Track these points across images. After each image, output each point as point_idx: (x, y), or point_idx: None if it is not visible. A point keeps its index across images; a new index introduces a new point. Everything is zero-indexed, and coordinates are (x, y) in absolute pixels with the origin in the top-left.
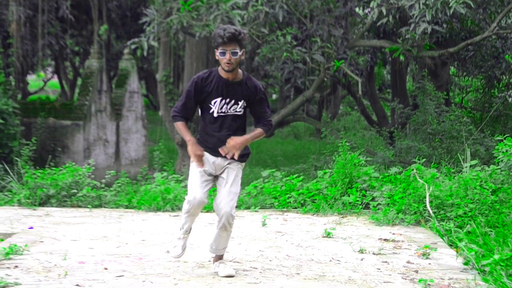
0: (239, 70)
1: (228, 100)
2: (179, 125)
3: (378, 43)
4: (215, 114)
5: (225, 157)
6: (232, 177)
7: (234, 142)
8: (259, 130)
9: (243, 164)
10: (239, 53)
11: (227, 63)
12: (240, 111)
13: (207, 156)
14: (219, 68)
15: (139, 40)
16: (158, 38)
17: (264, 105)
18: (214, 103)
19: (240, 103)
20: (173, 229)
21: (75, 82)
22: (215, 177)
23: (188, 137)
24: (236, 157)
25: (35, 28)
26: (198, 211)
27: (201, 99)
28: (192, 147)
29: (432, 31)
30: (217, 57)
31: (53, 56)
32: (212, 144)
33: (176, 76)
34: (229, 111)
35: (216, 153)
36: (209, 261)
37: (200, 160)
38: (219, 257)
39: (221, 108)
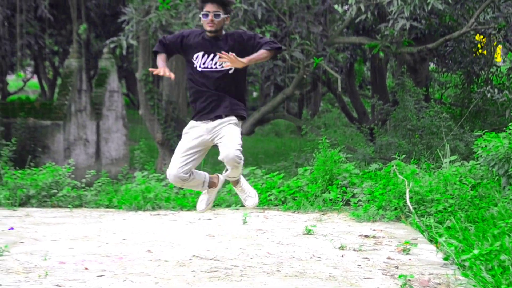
0: (222, 32)
1: (212, 55)
2: (159, 57)
3: (357, 40)
4: (199, 69)
5: (216, 118)
6: (229, 130)
7: (235, 57)
8: (262, 51)
9: (239, 122)
10: (222, 16)
11: (209, 24)
12: (230, 68)
13: (198, 124)
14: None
15: (118, 39)
16: (137, 37)
17: (257, 37)
18: (196, 57)
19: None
20: (153, 228)
21: (54, 82)
22: (206, 148)
23: (161, 62)
24: (227, 64)
25: (13, 28)
26: (183, 182)
27: (183, 49)
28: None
29: (411, 27)
30: (201, 22)
31: (32, 56)
32: (200, 105)
33: (155, 75)
34: (213, 66)
35: (206, 116)
36: (190, 259)
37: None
38: (236, 181)
39: (204, 63)
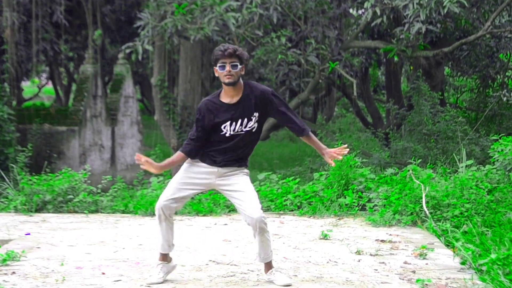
0: (241, 81)
1: (239, 121)
2: (177, 155)
3: (373, 44)
4: (228, 135)
5: (230, 166)
6: (244, 184)
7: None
8: (312, 136)
9: (246, 170)
10: (240, 66)
11: (227, 75)
12: (254, 126)
13: (203, 166)
14: (221, 92)
15: (134, 44)
16: (153, 42)
17: (283, 106)
18: (224, 127)
19: (254, 118)
20: None
21: (69, 87)
22: (200, 190)
23: (164, 164)
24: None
25: (29, 34)
26: (166, 216)
27: (210, 124)
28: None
29: (426, 31)
30: (216, 74)
31: (48, 62)
32: (219, 158)
33: (171, 80)
34: (244, 129)
35: (219, 164)
36: (207, 264)
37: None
38: (269, 266)
39: (233, 130)
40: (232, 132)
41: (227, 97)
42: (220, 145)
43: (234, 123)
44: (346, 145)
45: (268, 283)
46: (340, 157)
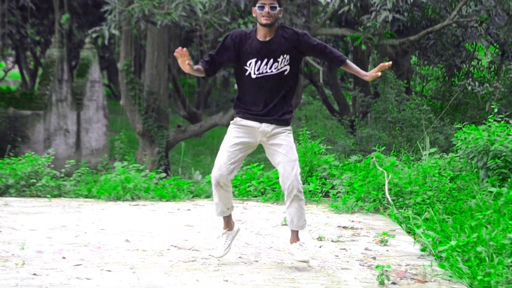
0: (275, 25)
1: (266, 60)
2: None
3: (340, 32)
4: (253, 76)
5: (269, 122)
6: (285, 144)
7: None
8: (350, 64)
9: (290, 127)
10: (278, 9)
11: (266, 17)
12: (282, 68)
13: (247, 123)
14: (255, 29)
15: (100, 29)
16: (120, 27)
17: (316, 45)
18: (249, 64)
19: (281, 59)
20: (132, 218)
21: (36, 72)
22: (251, 147)
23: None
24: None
25: None
26: (222, 185)
27: (233, 57)
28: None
29: (393, 19)
30: (254, 14)
31: (14, 46)
32: (254, 110)
33: (137, 65)
34: (269, 70)
35: (259, 119)
36: (168, 249)
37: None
38: (296, 237)
39: (258, 69)
40: (256, 73)
41: (260, 36)
42: (250, 92)
43: (259, 62)
44: (385, 63)
45: (228, 267)
46: (379, 74)
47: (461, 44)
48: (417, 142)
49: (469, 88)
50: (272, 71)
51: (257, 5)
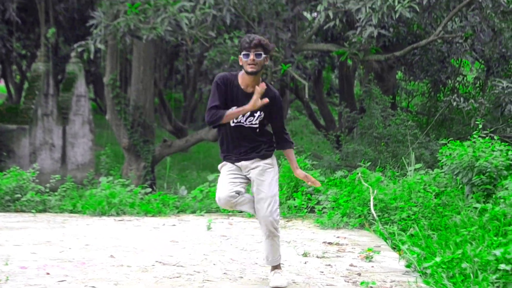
0: (260, 77)
1: (248, 114)
2: (227, 114)
3: (325, 47)
4: (232, 124)
5: (249, 159)
6: (262, 180)
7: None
8: (291, 152)
9: (273, 161)
10: (264, 56)
11: (251, 64)
12: (255, 124)
13: (230, 164)
14: (239, 75)
15: (86, 43)
16: (105, 41)
17: (282, 118)
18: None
19: (256, 115)
20: (117, 234)
21: (22, 85)
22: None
23: (241, 109)
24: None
25: None
26: (232, 207)
27: (225, 98)
28: (251, 103)
29: (379, 35)
30: (240, 62)
31: (0, 60)
32: (235, 153)
33: (123, 79)
34: (244, 122)
35: (238, 159)
36: (153, 265)
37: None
38: (276, 266)
39: (237, 118)
40: (235, 121)
41: (244, 84)
42: (228, 138)
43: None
44: (319, 183)
45: (213, 284)
46: (309, 183)
47: (447, 59)
48: (403, 157)
49: (455, 103)
50: (246, 124)
51: (243, 53)
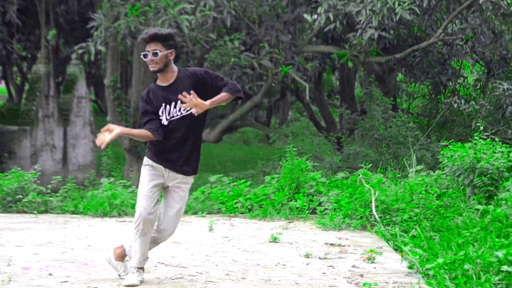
0: (174, 68)
1: (173, 103)
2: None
3: (326, 49)
4: (165, 122)
5: (176, 171)
6: (181, 198)
7: (196, 99)
8: (224, 94)
9: (192, 179)
10: (162, 53)
11: (151, 64)
12: (190, 110)
13: (159, 167)
14: (157, 78)
15: (87, 45)
16: (106, 43)
17: (215, 78)
18: (162, 112)
19: (178, 104)
20: (119, 235)
21: (22, 87)
22: (164, 187)
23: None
24: (194, 111)
25: None
26: (151, 228)
27: (154, 109)
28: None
29: (379, 37)
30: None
31: (0, 61)
32: (167, 155)
33: (124, 81)
34: (178, 113)
35: (169, 165)
36: (155, 266)
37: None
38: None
39: (169, 113)
40: (168, 117)
41: (162, 81)
42: (164, 142)
43: (168, 106)
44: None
45: (215, 285)
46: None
47: (447, 62)
48: (404, 159)
49: (455, 105)
50: (182, 113)
51: (142, 53)
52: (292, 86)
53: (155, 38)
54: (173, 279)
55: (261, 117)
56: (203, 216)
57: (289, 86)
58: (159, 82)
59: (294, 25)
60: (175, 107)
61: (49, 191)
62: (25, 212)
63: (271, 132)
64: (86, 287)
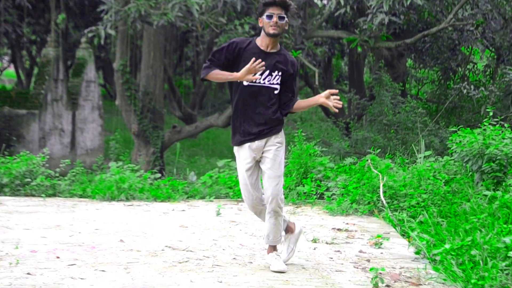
0: (278, 44)
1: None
2: (214, 73)
3: (336, 34)
4: (245, 83)
5: (261, 138)
6: (272, 159)
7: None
8: (300, 101)
9: (282, 138)
10: (286, 20)
11: (273, 26)
12: (275, 84)
13: (244, 144)
14: (258, 38)
15: (96, 29)
16: (116, 27)
17: (295, 86)
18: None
19: (274, 74)
20: (127, 218)
21: (31, 71)
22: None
23: (230, 74)
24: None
25: None
26: (259, 208)
27: (231, 64)
28: (240, 73)
29: (389, 22)
30: (260, 24)
31: (10, 45)
32: (246, 125)
33: (133, 65)
34: (262, 81)
35: (251, 136)
36: (163, 250)
37: (252, 71)
38: (273, 248)
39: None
40: (250, 81)
41: (263, 46)
42: (239, 101)
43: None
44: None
45: (222, 269)
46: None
47: (457, 47)
48: (412, 145)
49: (465, 91)
50: (264, 83)
51: (266, 14)
52: (301, 71)
53: (283, 4)
54: (180, 262)
55: None
56: (210, 201)
57: (298, 71)
58: (260, 45)
59: (304, 9)
60: (261, 74)
61: (57, 174)
62: (33, 196)
63: None
64: (94, 270)
